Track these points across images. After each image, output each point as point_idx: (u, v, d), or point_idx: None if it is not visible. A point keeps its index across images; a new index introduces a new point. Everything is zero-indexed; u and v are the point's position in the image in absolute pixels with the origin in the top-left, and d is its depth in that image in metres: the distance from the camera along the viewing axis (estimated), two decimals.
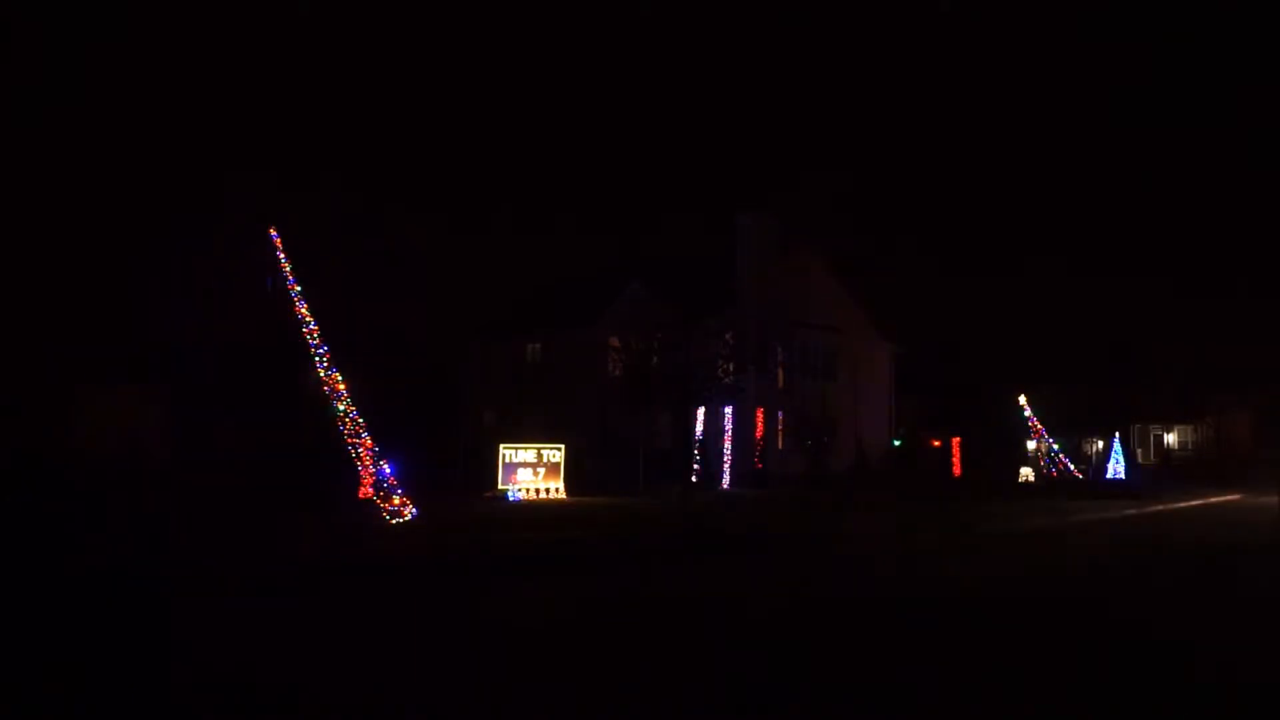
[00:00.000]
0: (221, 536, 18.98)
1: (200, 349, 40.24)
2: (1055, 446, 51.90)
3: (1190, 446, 61.36)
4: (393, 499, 23.35)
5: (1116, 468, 49.42)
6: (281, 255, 25.36)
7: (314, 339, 24.67)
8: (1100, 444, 64.19)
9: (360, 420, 24.23)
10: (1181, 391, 56.59)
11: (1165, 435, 63.13)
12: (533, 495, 32.13)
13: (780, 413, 42.60)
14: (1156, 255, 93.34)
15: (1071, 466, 50.76)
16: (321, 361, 24.70)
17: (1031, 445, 53.00)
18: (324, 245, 40.61)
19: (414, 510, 23.02)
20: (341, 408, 24.34)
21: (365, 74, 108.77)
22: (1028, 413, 50.14)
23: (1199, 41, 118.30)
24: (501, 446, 32.93)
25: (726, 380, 36.46)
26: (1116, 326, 63.97)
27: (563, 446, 34.05)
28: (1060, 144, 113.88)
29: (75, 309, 44.34)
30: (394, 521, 22.37)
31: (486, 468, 33.35)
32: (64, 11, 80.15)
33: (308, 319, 24.79)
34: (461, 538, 19.30)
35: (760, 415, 40.19)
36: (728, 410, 38.70)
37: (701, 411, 38.26)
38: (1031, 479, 47.00)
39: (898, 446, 50.61)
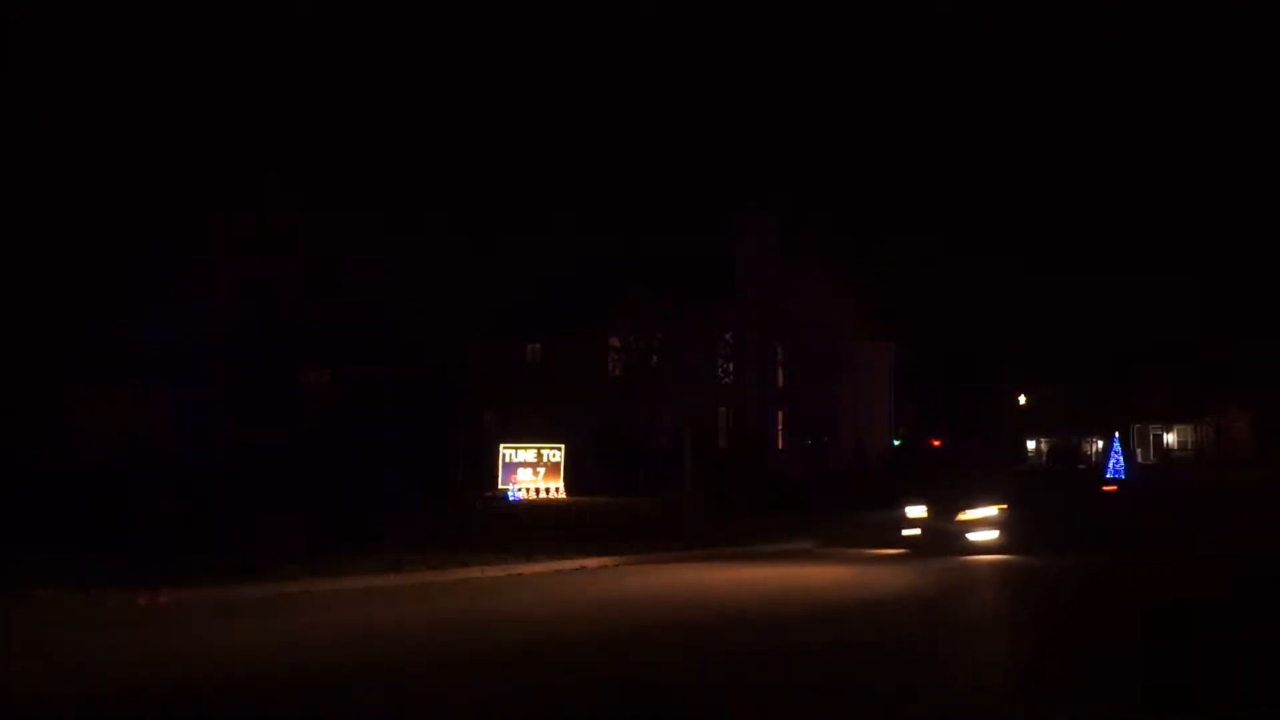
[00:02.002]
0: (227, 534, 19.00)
1: (200, 349, 40.23)
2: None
3: (1190, 446, 61.37)
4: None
5: (1117, 466, 49.49)
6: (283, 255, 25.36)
7: (315, 339, 24.70)
8: (1100, 444, 64.33)
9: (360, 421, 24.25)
10: (1181, 391, 56.64)
11: (1165, 435, 63.16)
12: (533, 495, 32.15)
13: (780, 413, 42.58)
14: (1155, 255, 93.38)
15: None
16: (322, 362, 24.73)
17: (1031, 445, 53.11)
18: (324, 245, 40.61)
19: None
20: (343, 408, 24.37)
21: (365, 74, 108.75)
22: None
23: (1208, 42, 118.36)
24: (501, 446, 32.95)
25: (726, 380, 36.47)
26: (1117, 326, 64.13)
27: (562, 446, 34.06)
28: (1057, 143, 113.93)
29: (74, 309, 44.32)
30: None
31: (487, 467, 33.37)
32: (64, 11, 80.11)
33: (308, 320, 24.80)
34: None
35: (760, 415, 40.18)
36: (727, 410, 38.71)
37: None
38: None
39: (897, 446, 50.67)
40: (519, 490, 32.02)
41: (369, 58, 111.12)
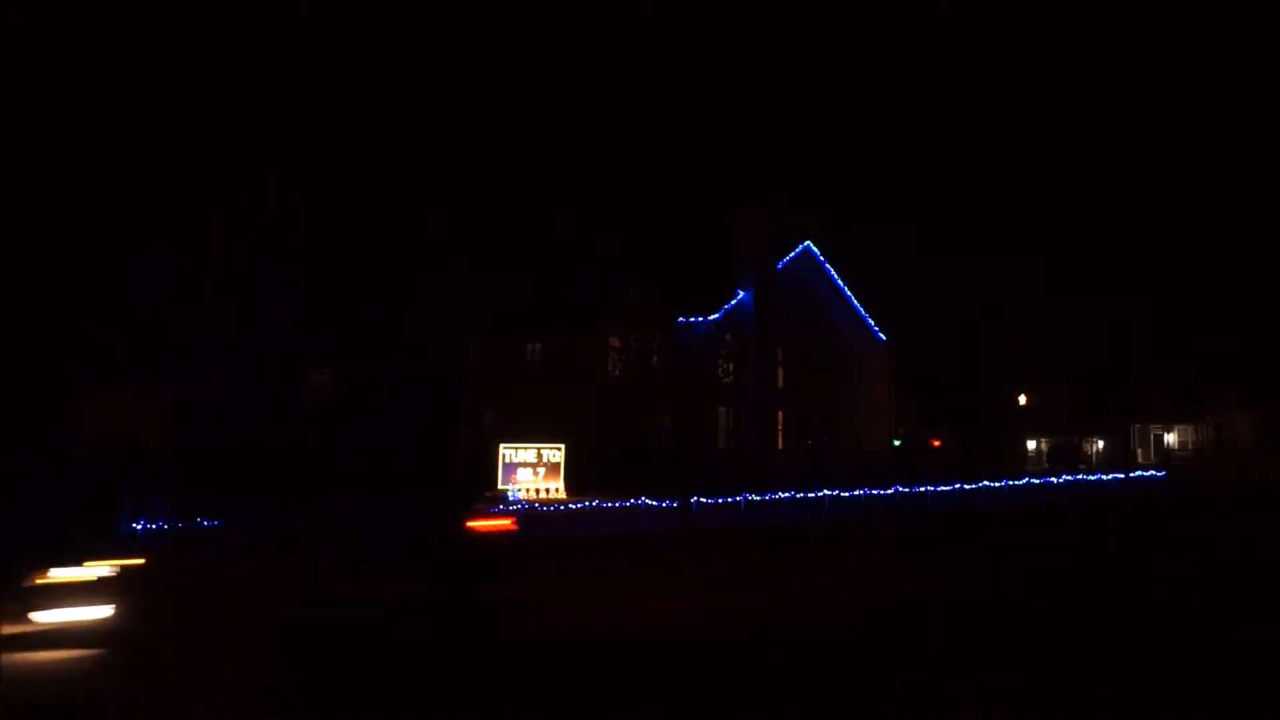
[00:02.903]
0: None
1: (201, 349, 40.28)
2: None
3: (1190, 446, 61.27)
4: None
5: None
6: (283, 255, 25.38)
7: (315, 339, 24.72)
8: (1100, 444, 64.30)
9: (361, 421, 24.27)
10: (1181, 391, 56.59)
11: (1165, 435, 63.06)
12: (533, 495, 32.16)
13: (780, 413, 42.59)
14: (1155, 254, 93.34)
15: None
16: (322, 362, 24.74)
17: (1031, 445, 53.07)
18: (324, 244, 40.65)
19: None
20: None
21: (365, 73, 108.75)
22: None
23: (1208, 42, 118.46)
24: (501, 446, 32.95)
25: (726, 380, 36.52)
26: (1117, 326, 64.10)
27: (562, 446, 34.05)
28: (1057, 143, 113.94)
29: (75, 309, 44.41)
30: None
31: (487, 468, 33.37)
32: (64, 11, 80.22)
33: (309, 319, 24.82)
34: None
35: (760, 415, 40.19)
36: (727, 410, 38.75)
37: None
38: None
39: (898, 446, 50.68)
40: (519, 490, 32.04)
41: (369, 57, 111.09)
